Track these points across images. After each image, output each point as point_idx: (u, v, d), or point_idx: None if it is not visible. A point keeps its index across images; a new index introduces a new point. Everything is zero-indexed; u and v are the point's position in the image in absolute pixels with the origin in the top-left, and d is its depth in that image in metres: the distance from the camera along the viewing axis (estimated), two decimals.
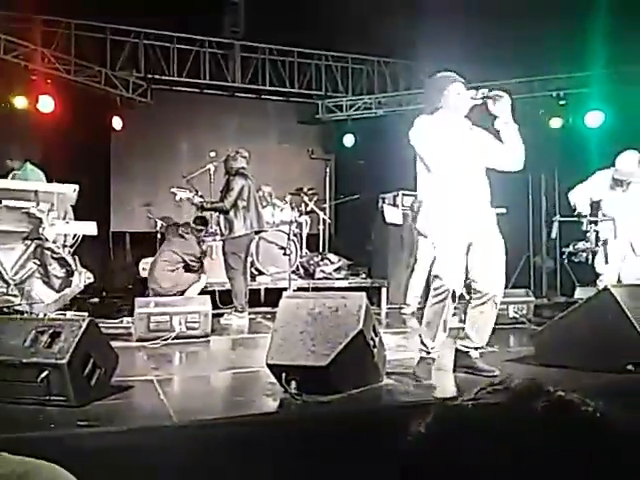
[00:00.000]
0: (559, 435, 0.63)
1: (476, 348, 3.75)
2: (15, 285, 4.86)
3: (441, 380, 3.66)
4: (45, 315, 4.40)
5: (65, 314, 4.93)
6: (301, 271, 7.87)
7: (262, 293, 7.50)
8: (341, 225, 9.89)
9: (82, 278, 5.07)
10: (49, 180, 6.09)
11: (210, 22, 9.60)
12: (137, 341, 4.86)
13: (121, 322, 5.56)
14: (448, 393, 3.50)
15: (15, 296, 4.81)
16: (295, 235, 7.81)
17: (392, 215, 7.55)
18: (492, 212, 3.74)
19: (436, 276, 3.63)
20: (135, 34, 9.28)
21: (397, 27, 8.56)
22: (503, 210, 5.63)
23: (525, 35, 7.59)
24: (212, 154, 7.30)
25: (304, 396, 3.13)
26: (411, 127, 3.62)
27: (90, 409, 2.98)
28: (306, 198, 8.36)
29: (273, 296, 6.09)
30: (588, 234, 5.65)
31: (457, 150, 3.55)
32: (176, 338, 4.88)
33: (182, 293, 6.18)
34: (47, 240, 4.93)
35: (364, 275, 7.94)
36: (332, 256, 8.11)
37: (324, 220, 8.66)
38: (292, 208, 8.17)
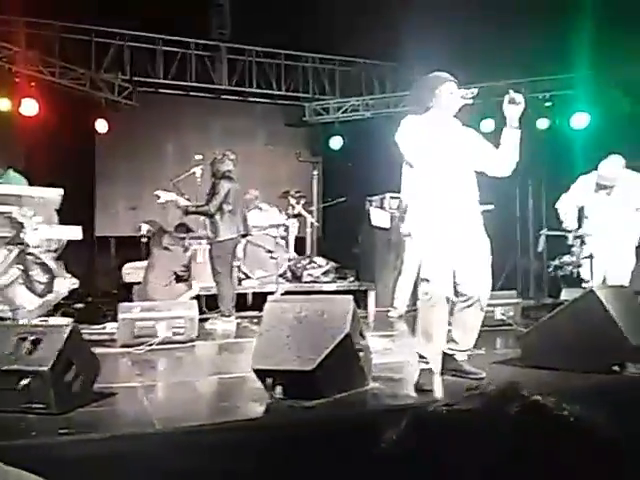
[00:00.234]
0: (531, 439, 0.61)
1: (462, 351, 3.72)
2: None
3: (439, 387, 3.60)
4: (28, 321, 4.34)
5: (48, 320, 4.86)
6: (288, 275, 7.83)
7: (249, 297, 7.46)
8: (328, 228, 9.87)
9: (66, 283, 5.01)
10: (32, 185, 6.02)
11: (196, 24, 9.56)
12: (121, 347, 4.79)
13: (104, 328, 5.49)
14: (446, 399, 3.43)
15: None
16: (282, 238, 7.79)
17: (379, 218, 7.54)
18: (479, 212, 3.71)
19: (424, 279, 3.58)
20: (120, 36, 9.21)
21: (384, 29, 8.58)
22: (490, 206, 5.66)
23: (511, 37, 7.63)
24: (198, 157, 7.25)
25: (290, 401, 3.10)
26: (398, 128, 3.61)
27: (72, 416, 2.93)
28: (293, 201, 8.34)
29: (260, 300, 6.04)
30: (574, 248, 5.74)
31: (444, 150, 3.52)
32: (161, 344, 4.82)
33: None
34: (30, 245, 4.87)
35: (352, 278, 7.92)
36: (320, 259, 8.08)
37: (311, 223, 8.64)
38: (279, 211, 8.15)
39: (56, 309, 5.50)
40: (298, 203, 8.39)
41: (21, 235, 4.81)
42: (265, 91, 10.26)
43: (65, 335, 3.06)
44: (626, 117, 7.35)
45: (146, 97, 9.38)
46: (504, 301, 5.77)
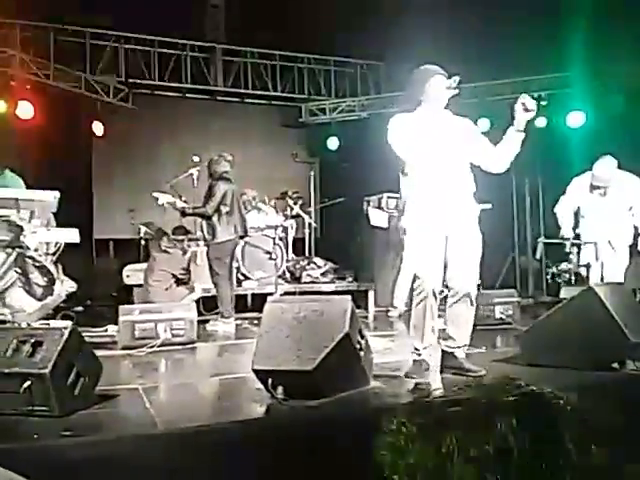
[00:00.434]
0: (528, 425, 0.62)
1: (460, 347, 3.73)
2: None
3: (432, 381, 3.63)
4: (27, 324, 4.34)
5: (49, 323, 4.85)
6: (287, 275, 7.84)
7: (249, 298, 7.46)
8: (327, 229, 9.88)
9: (64, 286, 5.00)
10: (29, 187, 6.01)
11: (191, 25, 9.56)
12: (122, 349, 4.80)
13: (105, 330, 5.49)
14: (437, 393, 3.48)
15: None
16: (281, 239, 7.79)
17: (377, 218, 7.55)
18: (473, 207, 3.70)
19: (416, 275, 3.63)
20: (115, 38, 9.22)
21: (379, 29, 8.59)
22: (488, 206, 5.69)
23: (507, 36, 7.65)
24: (195, 159, 7.25)
25: (291, 401, 3.11)
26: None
27: (74, 419, 2.92)
28: (291, 202, 8.34)
29: (260, 301, 6.05)
30: (571, 256, 5.85)
31: (436, 144, 3.51)
32: (161, 345, 4.83)
33: None
34: (28, 248, 4.86)
35: (350, 278, 7.93)
36: (318, 260, 8.10)
37: (309, 224, 8.65)
38: (277, 212, 8.15)
39: (56, 312, 5.49)
40: (296, 204, 8.40)
41: (20, 238, 4.80)
42: (261, 92, 10.27)
43: (65, 337, 3.05)
44: (621, 115, 7.39)
45: (142, 99, 9.39)
46: (503, 300, 5.79)
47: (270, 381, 3.17)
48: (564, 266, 6.01)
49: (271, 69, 10.31)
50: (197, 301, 6.13)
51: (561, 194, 5.98)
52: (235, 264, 6.67)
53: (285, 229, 8.06)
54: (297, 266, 7.90)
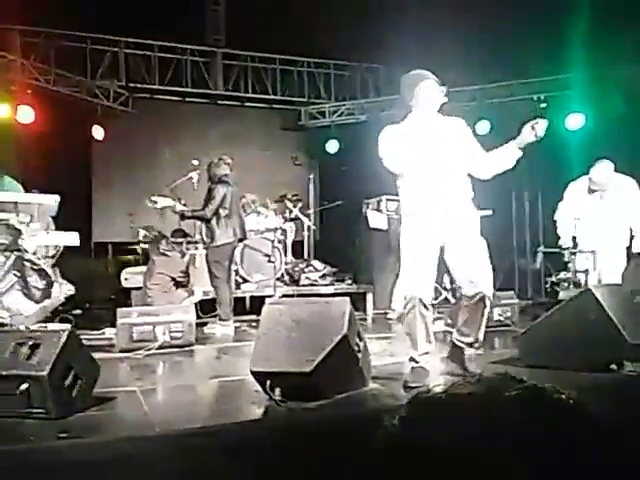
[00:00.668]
0: (530, 421, 0.62)
1: (471, 344, 3.69)
2: None
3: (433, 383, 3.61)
4: (25, 327, 4.34)
5: (47, 326, 4.86)
6: (286, 278, 7.84)
7: (247, 301, 7.46)
8: (326, 231, 9.88)
9: (62, 290, 5.01)
10: (28, 192, 6.02)
11: (191, 30, 9.59)
12: (120, 352, 4.80)
13: (103, 333, 5.50)
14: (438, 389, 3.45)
15: None
16: (280, 242, 7.80)
17: (376, 220, 7.56)
18: (472, 211, 3.66)
19: (404, 283, 3.61)
20: (115, 43, 9.24)
21: (379, 32, 8.61)
22: (489, 212, 5.72)
23: (506, 38, 7.67)
24: (195, 162, 7.26)
25: (289, 403, 3.11)
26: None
27: (72, 421, 2.93)
28: (290, 205, 8.35)
29: (258, 304, 6.04)
30: (569, 265, 5.91)
31: (427, 153, 3.47)
32: (159, 348, 4.83)
33: None
34: (27, 251, 4.87)
35: (349, 281, 7.93)
36: (317, 263, 8.09)
37: (309, 227, 8.65)
38: (276, 215, 8.16)
39: (54, 315, 5.49)
40: (295, 207, 8.40)
41: (19, 242, 4.81)
42: (261, 96, 10.29)
43: (63, 340, 3.05)
44: (621, 117, 7.39)
45: (142, 103, 9.41)
46: (502, 302, 5.79)
47: (268, 383, 3.17)
48: (563, 275, 6.09)
49: (271, 73, 10.33)
50: (196, 304, 6.13)
51: (559, 197, 6.00)
52: (234, 267, 6.68)
53: (284, 232, 8.06)
54: (296, 269, 7.90)
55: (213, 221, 5.98)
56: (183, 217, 6.26)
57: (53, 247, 5.68)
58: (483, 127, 8.03)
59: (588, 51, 7.14)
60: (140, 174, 9.43)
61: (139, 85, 9.43)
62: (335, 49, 9.86)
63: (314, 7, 8.62)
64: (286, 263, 7.88)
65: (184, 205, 6.33)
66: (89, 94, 8.70)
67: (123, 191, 9.40)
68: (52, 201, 5.35)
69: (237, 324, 6.26)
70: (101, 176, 9.43)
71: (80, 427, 2.84)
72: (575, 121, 8.03)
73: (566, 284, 6.05)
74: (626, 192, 5.64)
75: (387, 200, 7.50)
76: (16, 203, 5.02)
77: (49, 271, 4.97)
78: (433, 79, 3.60)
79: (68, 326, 4.57)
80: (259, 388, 3.28)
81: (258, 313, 3.83)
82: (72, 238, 5.55)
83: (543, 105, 8.19)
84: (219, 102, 10.18)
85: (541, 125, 3.44)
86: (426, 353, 3.59)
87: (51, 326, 4.92)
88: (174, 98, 9.82)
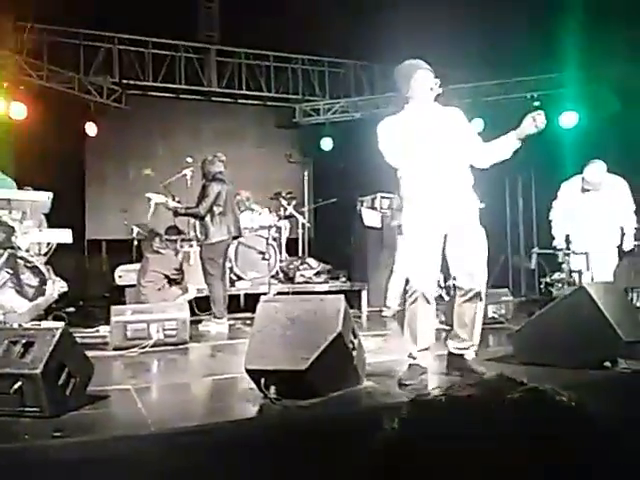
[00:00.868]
0: (532, 423, 0.62)
1: (468, 348, 3.65)
2: None
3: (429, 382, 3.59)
4: (19, 325, 4.32)
5: (40, 324, 4.84)
6: (281, 276, 7.84)
7: (242, 298, 7.45)
8: (320, 229, 9.88)
9: (56, 287, 4.98)
10: (21, 188, 5.99)
11: (185, 26, 9.54)
12: (114, 350, 4.77)
13: (97, 331, 5.47)
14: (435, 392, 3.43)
15: None
16: (274, 239, 7.79)
17: (371, 218, 7.56)
18: (473, 200, 3.62)
19: (407, 277, 3.61)
20: (109, 39, 9.20)
21: (373, 29, 8.60)
22: (482, 205, 5.69)
23: (499, 36, 7.67)
24: (189, 160, 7.24)
25: (283, 400, 3.10)
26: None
27: (66, 419, 2.91)
28: (285, 202, 8.34)
29: (253, 302, 6.03)
30: (563, 265, 5.97)
31: (426, 143, 3.45)
32: (154, 346, 4.81)
33: None
34: (20, 249, 4.85)
35: (344, 278, 7.93)
36: (312, 260, 8.09)
37: (303, 224, 8.64)
38: (270, 212, 8.15)
39: (47, 313, 5.46)
40: (289, 204, 8.39)
41: (11, 239, 4.78)
42: (255, 93, 10.26)
43: (56, 338, 3.04)
44: (615, 115, 7.42)
45: (135, 100, 9.37)
46: (496, 299, 5.81)
47: (263, 381, 3.17)
48: (556, 276, 6.17)
49: (265, 70, 10.30)
50: (190, 301, 6.12)
51: (553, 194, 6.03)
52: (228, 264, 6.66)
53: (278, 229, 8.05)
54: (290, 266, 7.90)
55: (207, 218, 5.96)
56: (176, 214, 6.25)
57: (46, 244, 5.66)
58: (477, 125, 8.02)
59: (582, 50, 7.16)
60: (133, 171, 9.39)
61: (132, 82, 9.38)
62: (330, 47, 9.83)
63: (308, 4, 8.60)
64: (281, 261, 7.88)
65: (177, 202, 6.31)
66: (82, 90, 8.65)
67: (116, 188, 9.36)
68: (45, 198, 5.32)
69: (231, 322, 6.26)
70: (94, 173, 9.39)
71: (74, 425, 2.83)
72: (569, 119, 8.05)
73: (560, 284, 6.11)
74: (618, 192, 5.74)
75: (381, 198, 7.50)
76: (9, 200, 5.00)
77: (42, 268, 4.94)
78: (427, 68, 3.58)
79: (61, 324, 4.56)
80: (254, 386, 3.28)
81: (252, 311, 3.83)
82: (65, 235, 5.53)
83: (537, 103, 8.20)
84: (213, 99, 10.14)
85: (541, 116, 3.43)
86: (425, 349, 3.58)
87: (44, 324, 4.90)
88: (168, 95, 9.77)
